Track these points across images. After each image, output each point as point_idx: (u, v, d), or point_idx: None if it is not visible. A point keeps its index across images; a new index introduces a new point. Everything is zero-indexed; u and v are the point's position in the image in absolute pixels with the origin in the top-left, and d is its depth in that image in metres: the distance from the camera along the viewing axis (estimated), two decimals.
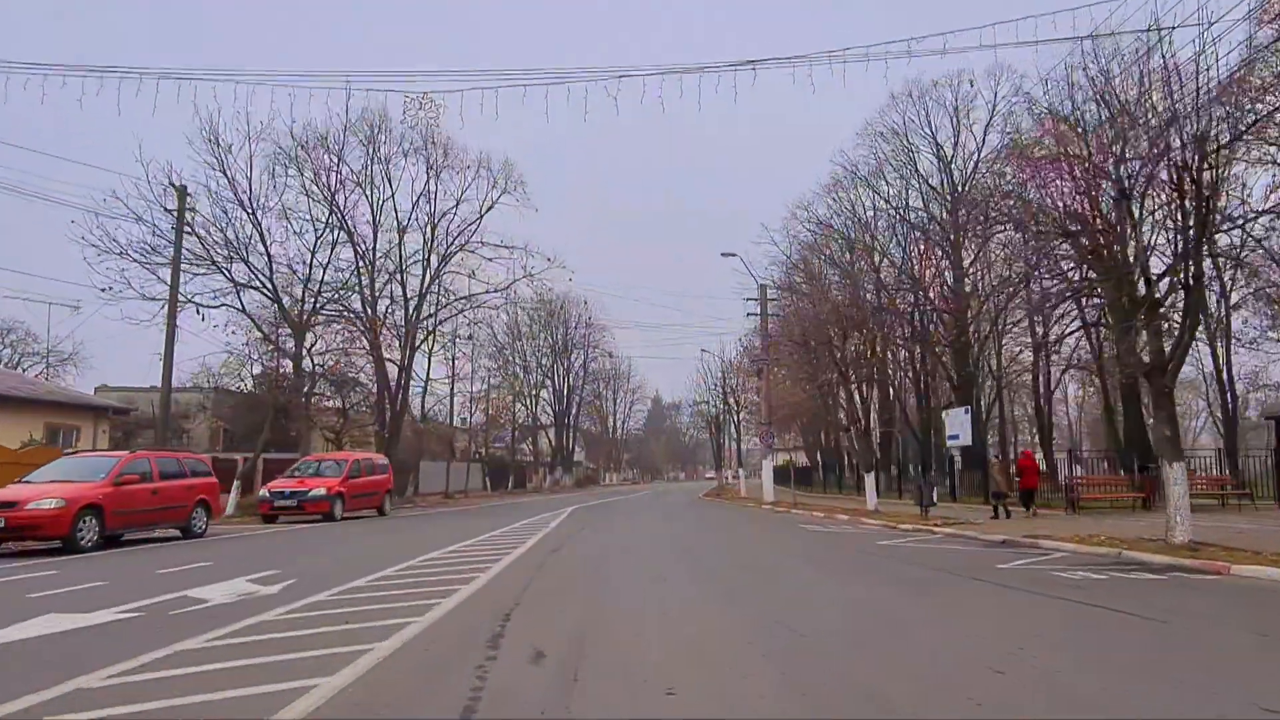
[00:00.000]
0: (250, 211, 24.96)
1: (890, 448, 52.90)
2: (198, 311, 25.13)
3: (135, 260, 23.24)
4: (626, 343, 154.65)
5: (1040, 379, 40.26)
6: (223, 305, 25.30)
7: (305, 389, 35.84)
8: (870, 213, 39.41)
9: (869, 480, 23.19)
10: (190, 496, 14.97)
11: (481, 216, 32.32)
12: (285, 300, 26.77)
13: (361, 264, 29.79)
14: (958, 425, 31.26)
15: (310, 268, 26.85)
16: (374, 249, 30.75)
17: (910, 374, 41.06)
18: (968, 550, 13.43)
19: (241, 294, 25.72)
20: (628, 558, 12.00)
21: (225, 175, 24.30)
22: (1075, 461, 30.09)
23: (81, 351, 40.35)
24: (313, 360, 36.47)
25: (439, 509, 30.57)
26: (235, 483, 22.04)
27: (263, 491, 20.36)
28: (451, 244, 31.95)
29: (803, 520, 22.76)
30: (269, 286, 25.85)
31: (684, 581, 9.41)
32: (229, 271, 25.23)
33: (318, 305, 27.05)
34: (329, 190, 27.38)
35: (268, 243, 25.57)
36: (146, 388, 34.62)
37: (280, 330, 27.25)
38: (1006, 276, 33.88)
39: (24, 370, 44.57)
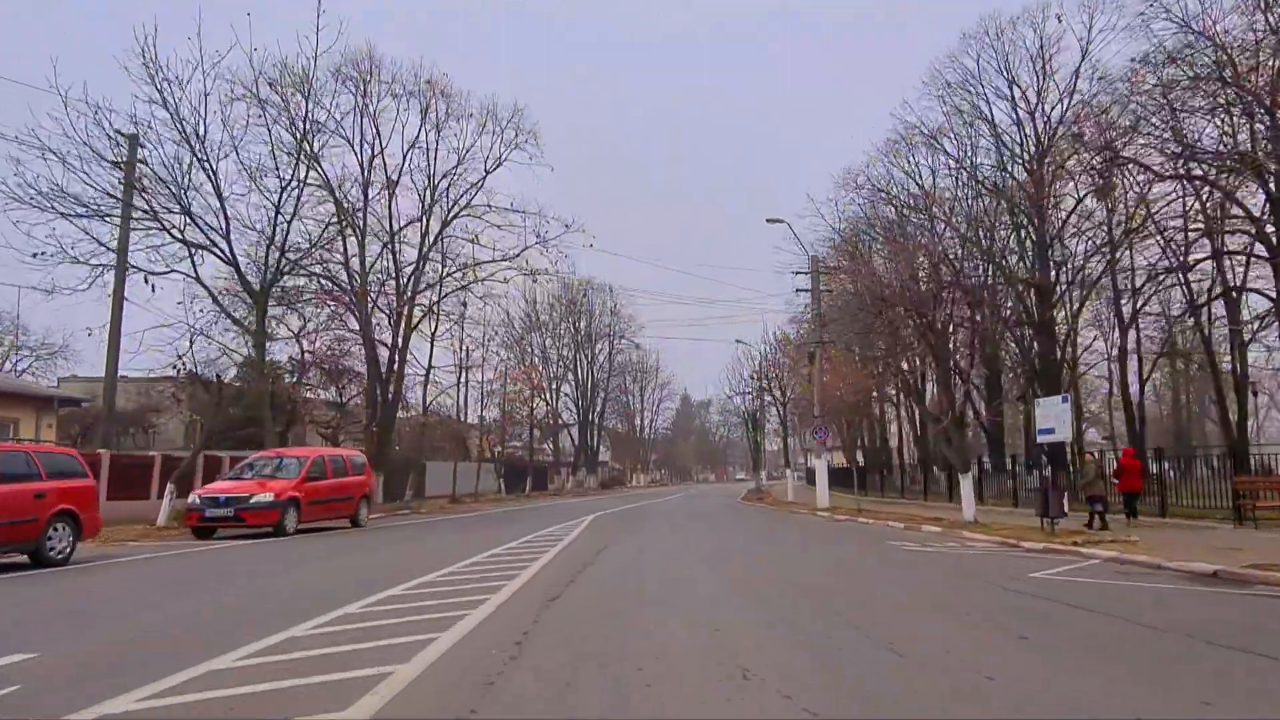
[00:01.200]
0: (202, 159, 20.69)
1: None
2: (146, 281, 20.91)
3: (63, 214, 19.00)
4: (653, 335, 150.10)
5: (1126, 364, 34.92)
6: (172, 272, 21.06)
7: (296, 377, 31.68)
8: (932, 177, 34.47)
9: (966, 485, 18.33)
10: (44, 508, 10.57)
11: (488, 173, 27.95)
12: (249, 267, 22.39)
13: (347, 226, 25.34)
14: (1053, 417, 26.02)
15: (275, 225, 22.41)
16: (365, 212, 26.44)
17: (973, 358, 35.97)
18: (1184, 592, 8.69)
19: (196, 259, 21.46)
20: (670, 614, 7.30)
21: (169, 110, 20.01)
22: (1161, 458, 25.00)
23: (73, 343, 36.54)
24: (301, 346, 32.31)
25: (439, 516, 26.14)
26: (169, 486, 17.67)
27: (193, 497, 15.94)
28: (453, 208, 27.59)
29: (884, 534, 17.95)
30: (225, 248, 21.52)
31: (780, 672, 4.76)
32: (180, 232, 20.97)
33: (281, 268, 22.53)
34: (300, 131, 22.90)
35: (223, 195, 21.25)
36: (122, 377, 30.69)
37: (256, 307, 22.91)
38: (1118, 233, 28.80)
39: (16, 364, 41.13)
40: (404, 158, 27.42)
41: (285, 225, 22.28)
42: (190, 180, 20.60)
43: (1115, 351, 37.39)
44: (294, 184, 22.61)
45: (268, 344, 31.90)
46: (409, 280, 26.95)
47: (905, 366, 35.12)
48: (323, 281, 24.33)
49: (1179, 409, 60.38)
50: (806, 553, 14.02)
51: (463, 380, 35.46)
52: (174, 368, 19.97)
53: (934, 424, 20.41)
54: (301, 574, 10.87)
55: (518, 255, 27.53)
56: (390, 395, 27.50)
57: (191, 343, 19.71)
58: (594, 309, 56.25)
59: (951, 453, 19.71)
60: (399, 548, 14.64)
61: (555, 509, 30.96)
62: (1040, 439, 27.02)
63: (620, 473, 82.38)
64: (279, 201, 22.19)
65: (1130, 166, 23.80)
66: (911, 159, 34.61)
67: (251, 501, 15.36)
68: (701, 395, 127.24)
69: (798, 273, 30.38)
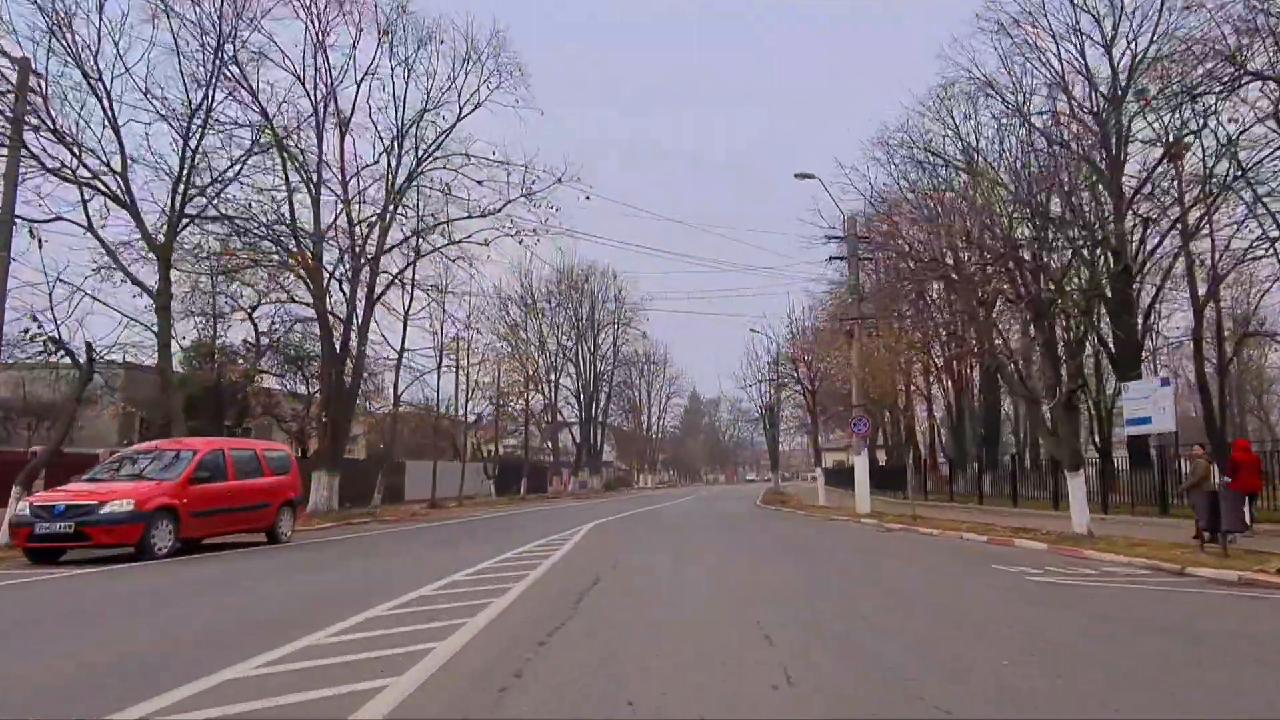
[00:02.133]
0: (92, 77, 16.36)
1: (998, 437, 43.16)
2: (31, 234, 16.61)
3: None
4: (661, 316, 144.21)
5: (1201, 347, 30.28)
6: (59, 219, 16.70)
7: (251, 362, 27.42)
8: (975, 137, 30.01)
9: (1078, 486, 13.81)
10: None
11: (464, 114, 23.51)
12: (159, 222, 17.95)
13: (290, 168, 20.83)
14: (1149, 404, 21.67)
15: (184, 157, 17.88)
16: (320, 162, 22.06)
17: (1051, 331, 31.44)
18: None
19: (93, 206, 17.11)
20: None
21: (45, 15, 15.68)
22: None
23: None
24: (256, 326, 28.04)
25: (406, 525, 21.79)
26: (14, 490, 13.26)
27: (21, 507, 11.52)
28: (423, 155, 23.15)
29: (974, 552, 13.47)
30: (117, 186, 17.07)
31: None
32: (72, 171, 16.66)
33: (180, 206, 17.94)
34: (217, 34, 18.28)
35: (118, 124, 16.87)
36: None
37: (159, 261, 18.44)
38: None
39: None
40: (358, 88, 22.87)
41: (192, 157, 17.77)
42: (81, 110, 16.30)
43: (1185, 331, 32.99)
44: (206, 101, 18.11)
45: (220, 325, 27.74)
46: (365, 239, 22.47)
47: (946, 346, 30.91)
48: (253, 230, 19.77)
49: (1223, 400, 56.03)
50: (893, 589, 9.55)
51: (445, 366, 31.03)
52: (27, 333, 15.48)
53: (1036, 404, 15.85)
54: (91, 638, 6.50)
55: (501, 209, 23.07)
56: (348, 379, 23.04)
57: (57, 309, 15.10)
58: (596, 294, 51.98)
59: (1056, 444, 15.23)
60: (307, 578, 10.29)
61: (549, 515, 26.58)
62: (1131, 429, 22.63)
63: (626, 473, 77.94)
64: (188, 129, 17.71)
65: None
66: (955, 114, 30.19)
67: (102, 512, 10.92)
68: (710, 393, 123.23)
69: (830, 238, 25.87)
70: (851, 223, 25.73)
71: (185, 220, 18.33)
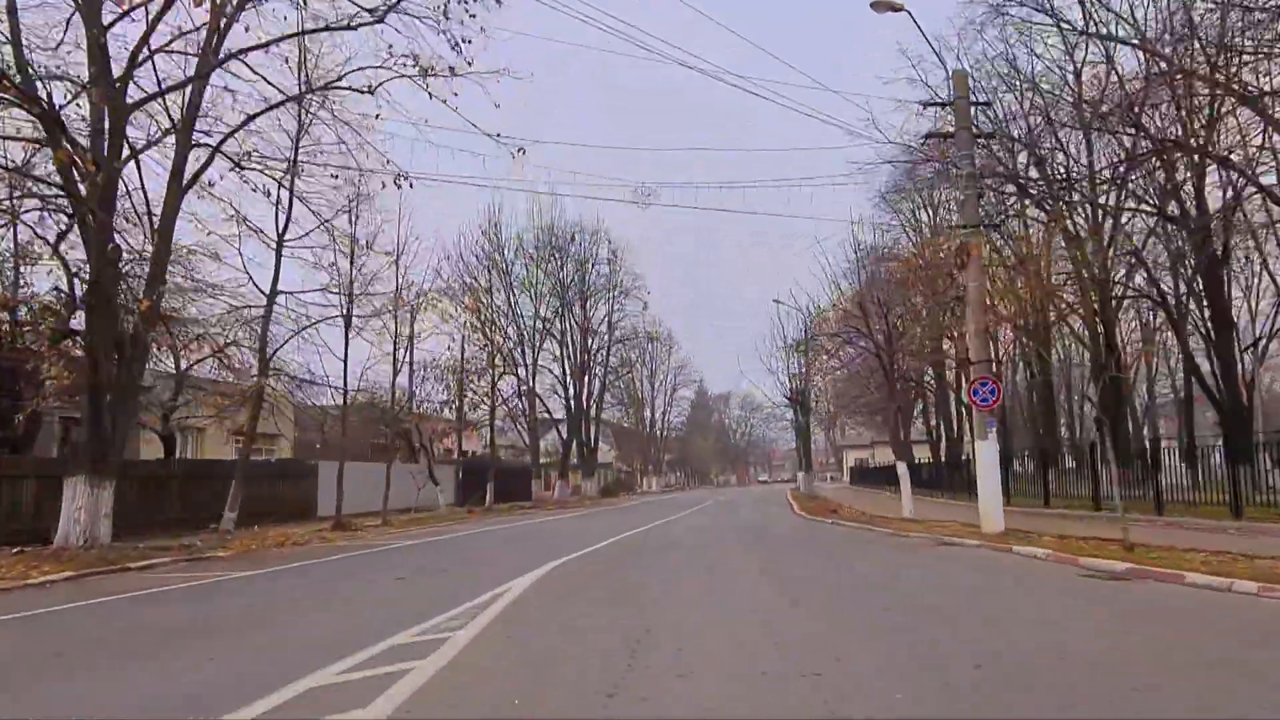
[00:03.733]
0: None
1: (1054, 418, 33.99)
2: None
3: None
4: (662, 318, 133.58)
5: None
6: None
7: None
8: None
9: None
10: None
11: None
12: None
13: None
14: None
15: None
16: None
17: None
18: None
19: None
20: None
21: None
22: None
23: None
24: (66, 264, 18.76)
25: (207, 571, 12.53)
26: None
27: None
28: None
29: None
30: None
31: None
32: None
33: None
34: None
35: None
36: None
37: None
38: None
39: None
40: None
41: None
42: None
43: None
44: None
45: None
46: (129, 67, 12.88)
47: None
48: None
49: None
50: None
51: (354, 325, 21.54)
52: None
53: None
54: None
55: (378, 18, 13.41)
56: (130, 323, 13.42)
57: None
58: (586, 258, 42.61)
59: None
60: None
61: (497, 543, 17.36)
62: None
63: (628, 475, 68.59)
64: None
65: None
66: None
67: None
68: (719, 387, 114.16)
69: (927, 104, 16.56)
70: (962, 81, 16.40)
71: None
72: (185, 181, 13.90)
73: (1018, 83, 20.87)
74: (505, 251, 38.00)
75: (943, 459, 40.45)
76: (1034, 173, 19.63)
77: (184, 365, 22.52)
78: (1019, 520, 16.10)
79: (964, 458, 39.52)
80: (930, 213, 33.21)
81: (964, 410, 42.24)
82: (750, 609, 7.68)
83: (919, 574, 10.65)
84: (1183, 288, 23.13)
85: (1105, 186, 18.31)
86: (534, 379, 38.96)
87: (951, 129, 16.50)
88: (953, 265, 15.91)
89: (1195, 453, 17.65)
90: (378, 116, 14.59)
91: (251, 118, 14.45)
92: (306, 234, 18.37)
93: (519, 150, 14.21)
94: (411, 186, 14.83)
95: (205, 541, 16.45)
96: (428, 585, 9.80)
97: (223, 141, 14.34)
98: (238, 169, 14.76)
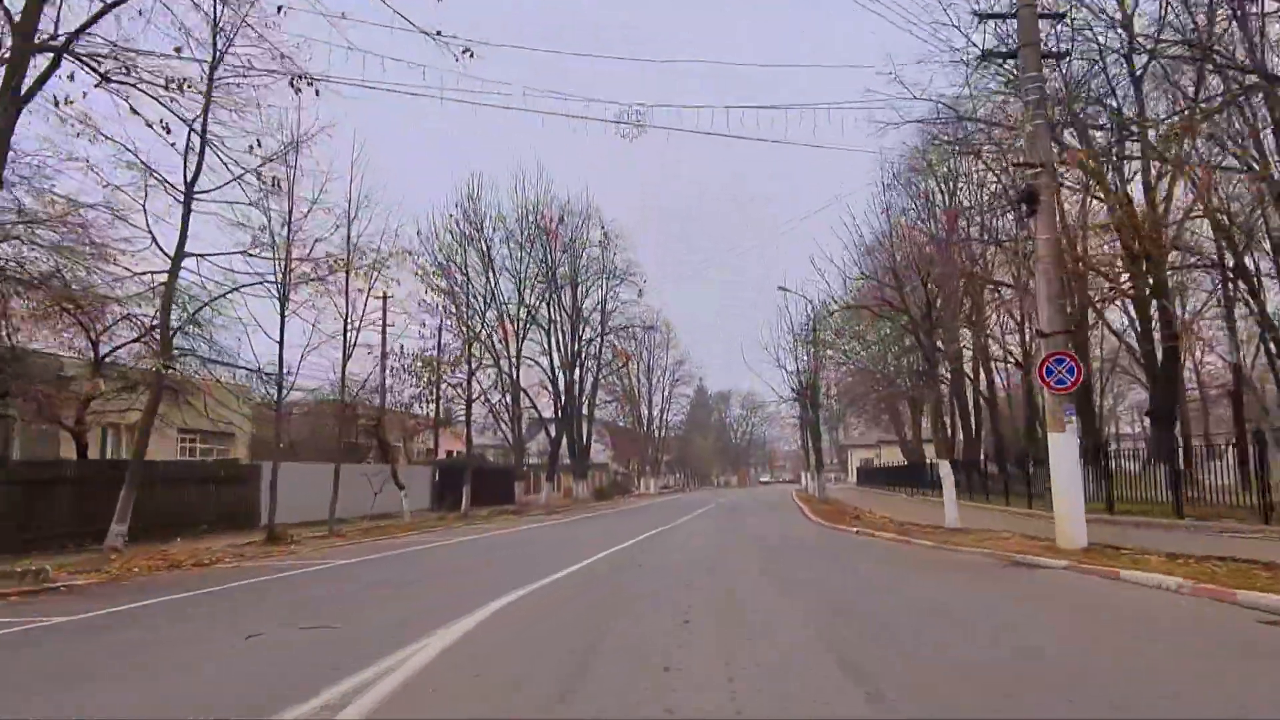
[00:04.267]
0: None
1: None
2: None
3: None
4: (659, 303, 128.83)
5: None
6: None
7: None
8: None
9: None
10: None
11: None
12: None
13: None
14: None
15: None
16: None
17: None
18: None
19: None
20: None
21: None
22: None
23: None
24: None
25: (26, 617, 9.16)
26: None
27: None
28: None
29: None
30: None
31: None
32: None
33: None
34: None
35: None
36: None
37: None
38: None
39: None
40: None
41: None
42: None
43: None
44: None
45: None
46: None
47: None
48: None
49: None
50: None
51: (291, 298, 18.02)
52: None
53: None
54: None
55: None
56: None
57: None
58: (575, 240, 39.03)
59: None
60: None
61: (446, 562, 14.07)
62: None
63: (625, 477, 65.19)
64: None
65: None
66: None
67: None
68: (719, 386, 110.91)
69: (983, 15, 13.16)
70: None
71: None
72: (24, 91, 10.58)
73: None
74: (485, 230, 34.64)
75: (958, 459, 37.16)
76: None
77: (103, 351, 19.24)
78: (1090, 531, 12.75)
79: (983, 456, 36.23)
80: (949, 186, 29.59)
81: (983, 402, 38.87)
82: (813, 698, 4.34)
83: (1013, 615, 7.34)
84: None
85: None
86: (518, 370, 35.49)
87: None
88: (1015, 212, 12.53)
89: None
90: (281, 10, 11.23)
91: (110, 6, 11.08)
92: (224, 185, 14.96)
93: (464, 52, 10.90)
94: (318, 94, 11.61)
95: (86, 563, 13.12)
96: (276, 655, 6.45)
97: (72, 40, 10.98)
98: (104, 82, 11.41)
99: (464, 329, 28.72)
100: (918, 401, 26.01)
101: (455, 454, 43.15)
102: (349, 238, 20.03)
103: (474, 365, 29.47)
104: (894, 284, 17.15)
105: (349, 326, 21.07)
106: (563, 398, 41.32)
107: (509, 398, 34.71)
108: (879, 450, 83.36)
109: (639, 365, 63.56)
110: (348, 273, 19.50)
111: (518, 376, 35.45)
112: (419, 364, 26.44)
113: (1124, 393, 42.26)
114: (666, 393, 68.21)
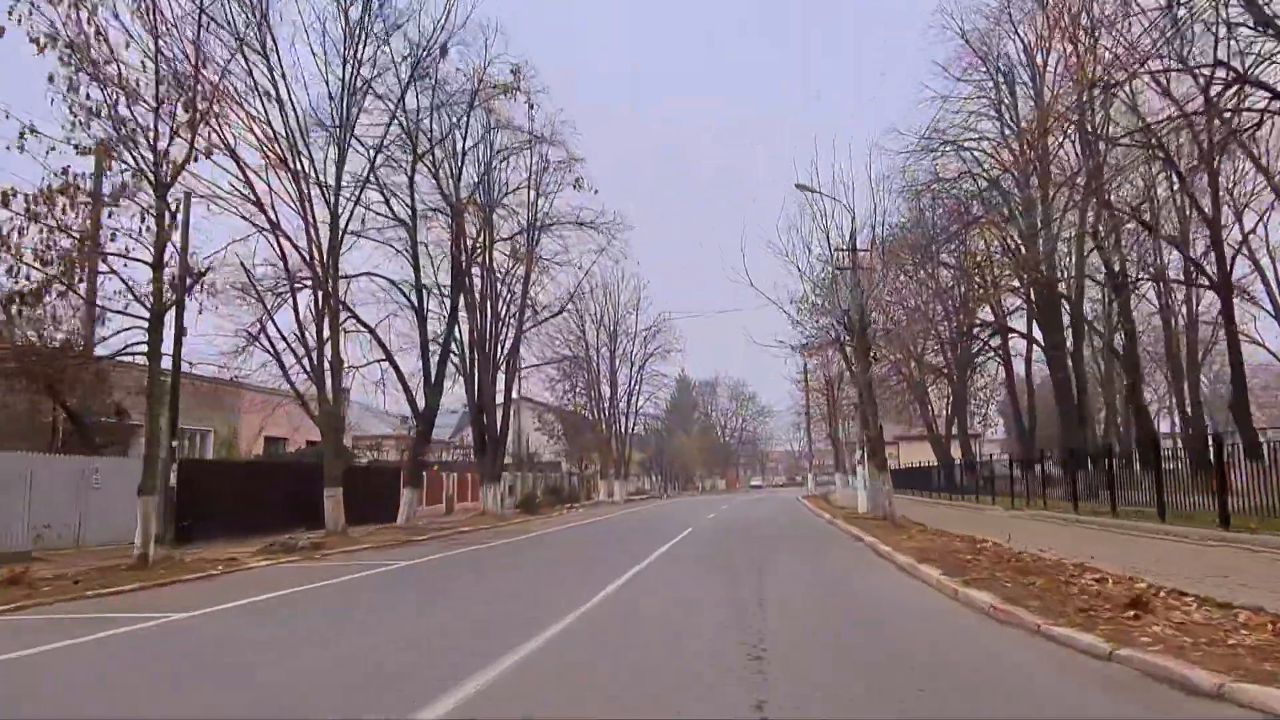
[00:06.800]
0: None
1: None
2: None
3: None
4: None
5: None
6: None
7: None
8: None
9: None
10: None
11: None
12: None
13: None
14: None
15: None
16: None
17: None
18: None
19: None
20: None
21: None
22: None
23: None
24: None
25: None
26: None
27: None
28: None
29: None
30: None
31: None
32: None
33: None
34: None
35: None
36: None
37: None
38: None
39: None
40: None
41: None
42: None
43: None
44: None
45: None
46: None
47: None
48: None
49: None
50: None
51: None
52: None
53: None
54: None
55: None
56: None
57: None
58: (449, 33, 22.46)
59: None
60: None
61: None
62: None
63: (581, 479, 50.15)
64: None
65: None
66: None
67: None
68: (703, 374, 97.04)
69: None
70: None
71: None
72: None
73: None
74: None
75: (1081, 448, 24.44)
76: None
77: None
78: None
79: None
80: None
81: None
82: None
83: None
84: None
85: None
86: (334, 263, 19.03)
87: None
88: None
89: None
90: None
91: None
92: None
93: None
94: None
95: None
96: None
97: None
98: None
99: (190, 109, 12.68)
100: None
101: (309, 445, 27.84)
102: None
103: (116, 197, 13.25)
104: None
105: None
106: (464, 351, 26.07)
107: (315, 314, 18.69)
108: (897, 447, 70.24)
109: (597, 323, 48.57)
110: None
111: (330, 272, 18.87)
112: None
113: None
114: (638, 367, 53.12)
